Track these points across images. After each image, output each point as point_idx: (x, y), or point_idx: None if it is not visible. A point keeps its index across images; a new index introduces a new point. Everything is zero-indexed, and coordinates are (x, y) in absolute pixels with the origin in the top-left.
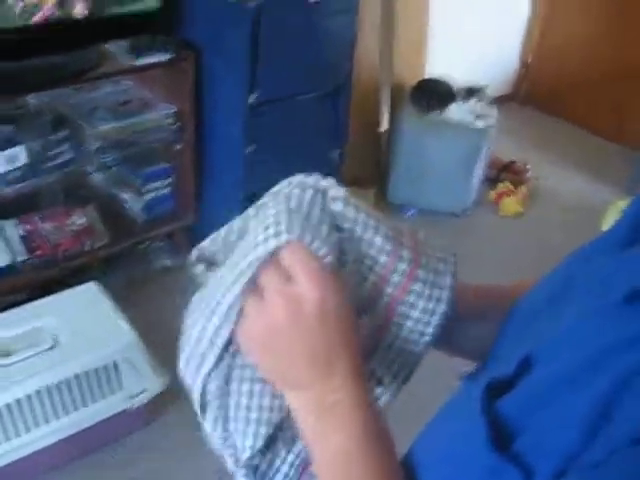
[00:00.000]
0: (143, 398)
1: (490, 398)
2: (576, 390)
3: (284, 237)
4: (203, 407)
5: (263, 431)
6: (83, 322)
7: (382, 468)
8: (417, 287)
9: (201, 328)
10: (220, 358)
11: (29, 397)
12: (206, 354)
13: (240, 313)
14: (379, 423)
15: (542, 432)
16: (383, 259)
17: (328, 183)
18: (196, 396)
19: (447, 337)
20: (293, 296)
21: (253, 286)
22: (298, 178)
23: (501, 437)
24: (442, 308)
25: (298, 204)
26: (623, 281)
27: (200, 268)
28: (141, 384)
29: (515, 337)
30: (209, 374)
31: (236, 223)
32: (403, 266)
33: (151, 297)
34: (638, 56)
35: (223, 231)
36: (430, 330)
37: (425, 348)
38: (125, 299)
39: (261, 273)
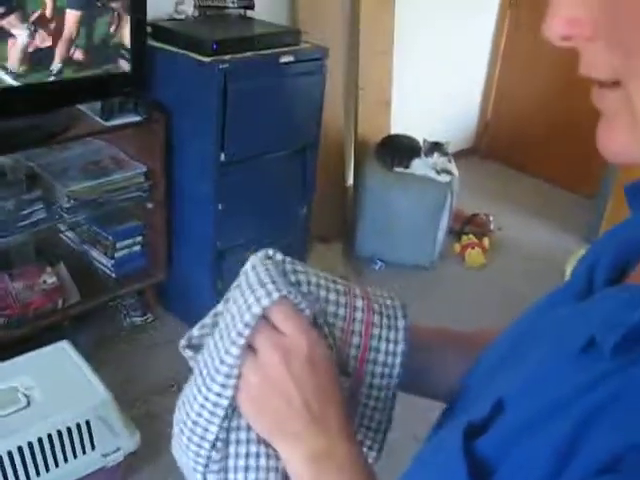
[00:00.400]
0: (117, 457)
1: (467, 440)
2: (537, 434)
3: (275, 295)
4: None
5: None
6: (56, 381)
7: None
8: (376, 332)
9: (203, 399)
10: (221, 426)
11: (0, 458)
12: (209, 424)
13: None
14: (371, 472)
15: (513, 472)
16: (342, 311)
17: (279, 255)
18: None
19: (412, 379)
20: (285, 348)
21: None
22: (253, 259)
23: (479, 475)
24: (400, 348)
25: (269, 274)
26: (580, 332)
27: (189, 354)
28: (114, 443)
29: (485, 382)
30: (214, 444)
31: (218, 307)
32: (359, 315)
33: (121, 354)
34: (583, 109)
35: (209, 317)
36: (395, 371)
37: (395, 391)
38: (95, 357)
39: (253, 333)
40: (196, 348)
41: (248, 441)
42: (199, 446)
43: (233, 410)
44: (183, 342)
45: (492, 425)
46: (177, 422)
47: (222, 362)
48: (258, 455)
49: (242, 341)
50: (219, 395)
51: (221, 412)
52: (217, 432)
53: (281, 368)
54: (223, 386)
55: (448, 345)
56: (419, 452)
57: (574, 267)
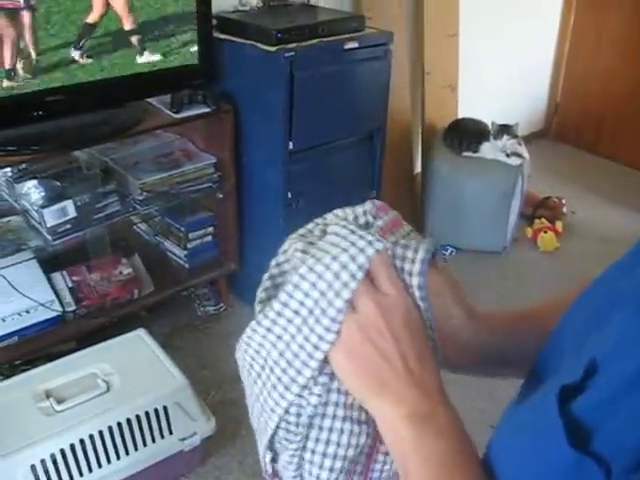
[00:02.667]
0: (194, 441)
1: (561, 403)
2: (636, 393)
3: (379, 245)
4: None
5: (338, 465)
6: (133, 367)
7: (479, 474)
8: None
9: (297, 347)
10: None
11: (82, 442)
12: (304, 366)
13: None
14: (467, 437)
15: (616, 431)
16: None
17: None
18: (274, 420)
19: (493, 365)
20: (388, 309)
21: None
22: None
23: (576, 437)
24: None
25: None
26: None
27: (259, 307)
28: (191, 427)
29: (572, 347)
30: (304, 387)
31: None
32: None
33: (196, 343)
34: None
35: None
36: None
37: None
38: (170, 345)
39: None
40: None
41: (337, 404)
42: (286, 388)
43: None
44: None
45: (586, 388)
46: (259, 365)
47: (324, 313)
48: (345, 419)
49: (350, 289)
50: (321, 338)
51: (320, 355)
52: (310, 375)
53: (384, 329)
54: (327, 329)
55: (523, 325)
56: (508, 417)
57: None
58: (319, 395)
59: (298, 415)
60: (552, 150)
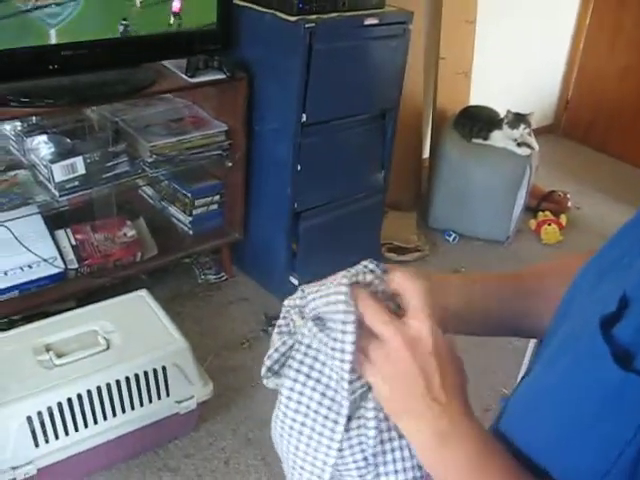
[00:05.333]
0: (190, 404)
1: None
2: None
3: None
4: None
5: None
6: (134, 327)
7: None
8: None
9: (333, 392)
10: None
11: (80, 397)
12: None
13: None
14: (490, 447)
15: None
16: None
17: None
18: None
19: (515, 323)
20: (412, 339)
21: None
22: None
23: (620, 360)
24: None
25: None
26: None
27: (272, 381)
28: (189, 390)
29: (601, 285)
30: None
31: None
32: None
33: (195, 310)
34: None
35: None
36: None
37: None
38: (171, 310)
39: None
40: (276, 373)
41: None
42: (335, 423)
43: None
44: (263, 370)
45: (622, 317)
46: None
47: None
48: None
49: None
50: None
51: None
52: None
53: (407, 355)
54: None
55: (543, 281)
56: (534, 365)
57: None
58: (375, 427)
59: (362, 451)
60: (560, 145)
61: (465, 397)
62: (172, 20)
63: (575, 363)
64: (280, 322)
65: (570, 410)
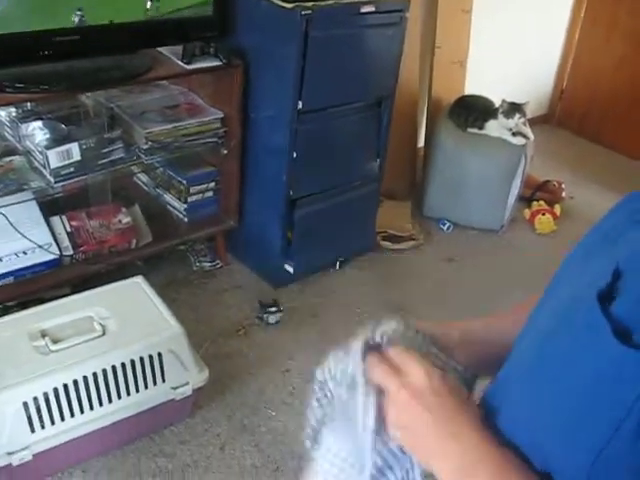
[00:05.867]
0: (186, 390)
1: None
2: None
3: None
4: None
5: None
6: (130, 313)
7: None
8: None
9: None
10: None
11: (75, 383)
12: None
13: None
14: (510, 468)
15: None
16: None
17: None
18: None
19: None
20: (412, 387)
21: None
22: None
23: (619, 335)
24: None
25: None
26: None
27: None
28: (184, 377)
29: (590, 262)
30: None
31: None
32: None
33: (190, 297)
34: None
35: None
36: None
37: None
38: (166, 297)
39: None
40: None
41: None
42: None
43: None
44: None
45: (617, 293)
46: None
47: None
48: None
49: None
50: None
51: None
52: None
53: (413, 404)
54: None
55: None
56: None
57: None
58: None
59: None
60: (554, 135)
61: (478, 428)
62: (149, 5)
63: (572, 338)
64: (317, 394)
65: (567, 384)
